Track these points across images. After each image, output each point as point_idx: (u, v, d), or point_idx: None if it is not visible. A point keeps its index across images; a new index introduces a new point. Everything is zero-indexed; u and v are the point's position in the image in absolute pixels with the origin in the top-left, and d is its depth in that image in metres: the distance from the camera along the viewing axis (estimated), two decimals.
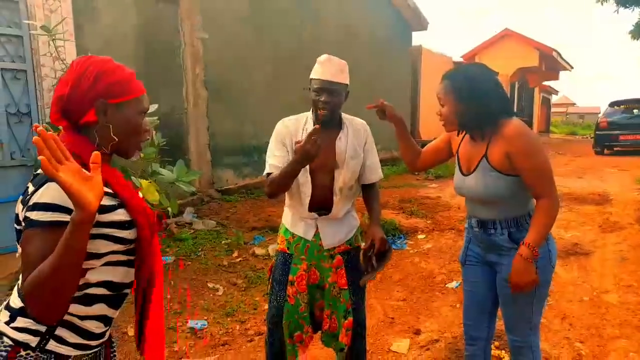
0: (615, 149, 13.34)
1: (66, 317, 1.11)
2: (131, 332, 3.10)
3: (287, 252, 2.14)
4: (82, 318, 1.14)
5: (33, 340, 1.09)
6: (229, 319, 3.35)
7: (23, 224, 1.04)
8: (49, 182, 1.02)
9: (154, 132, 4.29)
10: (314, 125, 2.00)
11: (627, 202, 6.43)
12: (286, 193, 2.14)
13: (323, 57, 2.06)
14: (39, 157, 0.90)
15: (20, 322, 1.10)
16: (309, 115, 2.15)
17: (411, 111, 11.87)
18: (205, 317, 3.34)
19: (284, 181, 1.94)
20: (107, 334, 1.25)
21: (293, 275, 2.11)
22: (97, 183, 0.96)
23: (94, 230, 1.06)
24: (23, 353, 1.08)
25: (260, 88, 7.01)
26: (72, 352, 1.13)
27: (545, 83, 23.31)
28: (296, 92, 7.76)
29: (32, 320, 1.09)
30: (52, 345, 1.10)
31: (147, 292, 1.24)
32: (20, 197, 1.11)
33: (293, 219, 2.17)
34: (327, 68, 2.02)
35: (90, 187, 0.95)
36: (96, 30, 4.80)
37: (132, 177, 3.51)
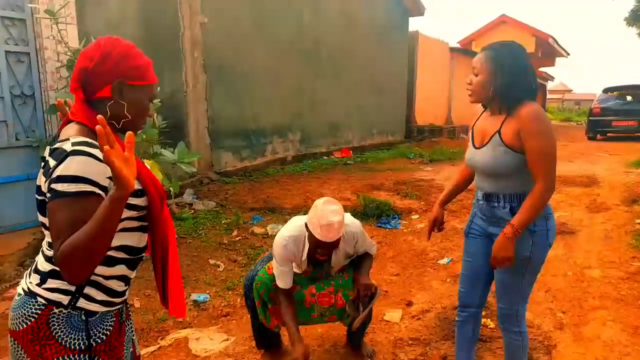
0: (607, 134, 13.49)
1: (93, 277, 1.24)
2: (137, 304, 3.26)
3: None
4: (106, 278, 1.26)
5: (64, 299, 1.20)
6: (230, 293, 3.50)
7: (48, 194, 1.13)
8: (72, 156, 1.12)
9: (155, 114, 4.41)
10: (308, 256, 2.31)
11: (614, 184, 6.61)
12: None
13: (324, 221, 2.13)
14: (103, 147, 1.03)
15: (51, 283, 1.21)
16: (305, 237, 2.30)
17: (407, 96, 11.97)
18: (208, 291, 3.50)
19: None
20: (127, 292, 1.38)
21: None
22: (133, 163, 1.10)
23: None
24: (56, 311, 1.20)
25: (260, 72, 7.10)
26: (100, 308, 1.26)
27: (542, 69, 23.38)
28: (297, 78, 7.87)
29: (62, 281, 1.21)
30: (82, 302, 1.22)
31: (165, 255, 1.36)
32: (41, 170, 1.21)
33: None
34: (327, 231, 2.12)
35: (129, 167, 1.08)
36: (98, 13, 4.87)
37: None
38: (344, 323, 2.54)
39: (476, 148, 2.01)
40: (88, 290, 1.23)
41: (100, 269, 1.24)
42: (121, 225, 1.24)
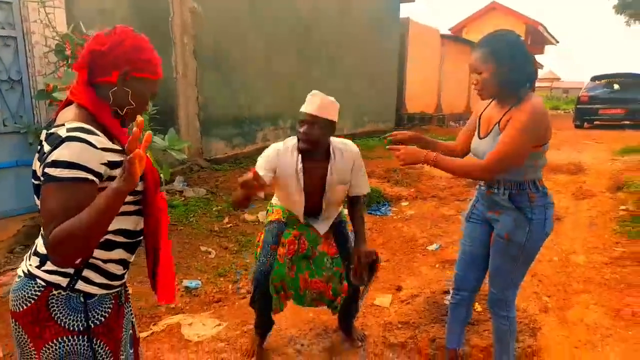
0: (595, 122, 13.63)
1: (91, 260, 1.26)
2: (130, 290, 3.27)
3: (283, 220, 2.39)
4: (104, 261, 1.29)
5: (63, 281, 1.23)
6: (221, 279, 3.53)
7: (42, 178, 1.15)
8: (67, 142, 1.13)
9: None
10: (299, 154, 2.26)
11: (600, 172, 6.73)
12: (278, 196, 2.47)
13: (312, 92, 2.21)
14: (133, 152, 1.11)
15: (50, 265, 1.23)
16: (294, 142, 2.32)
17: (398, 83, 11.98)
18: (199, 278, 3.52)
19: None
20: (126, 276, 1.41)
21: (285, 238, 2.34)
22: (144, 160, 1.15)
23: (106, 183, 1.19)
24: (55, 292, 1.22)
25: (251, 59, 7.05)
26: (98, 290, 1.28)
27: None
28: (288, 64, 7.83)
29: None
30: (80, 285, 1.25)
31: (156, 240, 1.39)
32: (36, 155, 1.22)
33: (286, 202, 2.43)
34: (310, 103, 2.19)
35: (142, 165, 1.13)
36: None
37: None
38: (333, 311, 2.54)
39: (480, 138, 2.03)
40: (87, 272, 1.25)
41: (99, 253, 1.26)
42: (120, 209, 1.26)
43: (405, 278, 3.55)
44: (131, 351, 1.46)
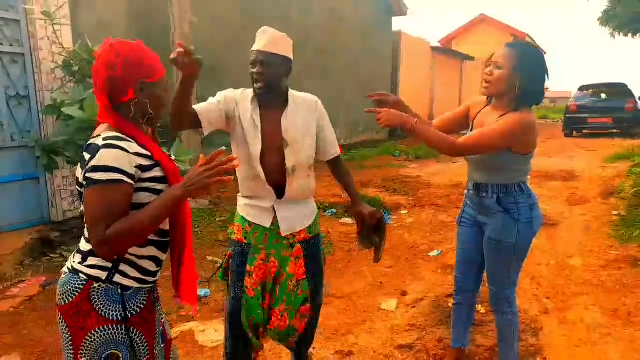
0: (583, 131, 13.92)
1: (127, 256, 1.38)
2: None
3: (245, 241, 2.01)
4: (138, 257, 1.41)
5: (103, 275, 1.35)
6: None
7: (84, 183, 1.29)
8: (104, 149, 1.28)
9: None
10: (253, 100, 1.99)
11: (592, 178, 6.92)
12: (239, 179, 2.06)
13: (263, 28, 1.99)
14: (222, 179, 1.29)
15: (91, 261, 1.36)
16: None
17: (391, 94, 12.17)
18: (208, 287, 3.59)
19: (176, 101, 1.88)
20: (159, 274, 1.50)
21: (251, 265, 1.98)
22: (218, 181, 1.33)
23: (138, 185, 1.33)
24: (96, 285, 1.34)
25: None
26: (134, 284, 1.39)
27: None
28: None
29: (100, 259, 1.35)
30: (117, 278, 1.36)
31: (183, 239, 1.48)
32: (79, 164, 1.35)
33: (249, 206, 2.04)
34: (260, 39, 1.96)
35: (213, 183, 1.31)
36: (90, 13, 4.90)
37: None
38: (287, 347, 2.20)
39: None
40: (123, 267, 1.37)
41: (134, 249, 1.38)
42: None
43: (409, 283, 3.65)
44: (162, 346, 1.54)
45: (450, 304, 3.16)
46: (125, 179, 1.28)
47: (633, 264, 3.81)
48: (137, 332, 1.39)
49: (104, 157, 1.26)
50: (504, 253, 2.11)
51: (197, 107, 1.97)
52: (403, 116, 2.03)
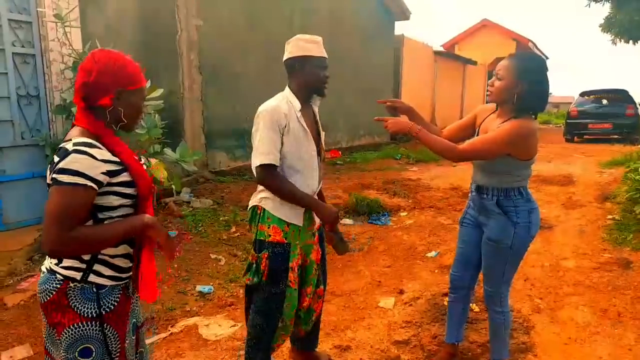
0: (584, 136, 14.01)
1: (101, 256, 1.46)
2: None
3: (285, 242, 2.15)
4: (112, 257, 1.49)
5: (78, 275, 1.43)
6: (232, 284, 3.72)
7: (50, 184, 1.36)
8: (72, 154, 1.34)
9: (156, 114, 4.59)
10: (297, 105, 2.15)
11: (589, 183, 7.02)
12: (290, 165, 2.16)
13: (317, 37, 2.21)
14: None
15: (66, 262, 1.44)
16: (287, 96, 2.21)
17: (393, 98, 12.27)
18: (211, 283, 3.71)
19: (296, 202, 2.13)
20: (132, 269, 1.57)
21: (292, 262, 2.17)
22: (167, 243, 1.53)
23: (107, 189, 1.41)
24: (72, 285, 1.43)
25: (253, 73, 7.29)
26: (108, 282, 1.47)
27: None
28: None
29: (75, 260, 1.43)
30: (92, 277, 1.44)
31: (139, 239, 1.54)
32: (49, 167, 1.41)
33: (285, 207, 2.15)
34: (319, 47, 2.21)
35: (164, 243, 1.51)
36: (99, 16, 5.02)
37: (142, 157, 3.83)
38: (304, 327, 2.45)
39: None
40: (97, 267, 1.45)
41: (108, 249, 1.47)
42: (119, 212, 1.47)
43: (407, 282, 3.76)
44: (133, 337, 1.61)
45: (446, 303, 3.27)
46: (89, 184, 1.34)
47: (625, 266, 3.91)
48: (110, 328, 1.46)
49: (71, 162, 1.33)
50: (500, 254, 2.21)
51: (274, 160, 2.08)
52: (408, 124, 2.16)
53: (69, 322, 1.41)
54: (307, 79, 2.18)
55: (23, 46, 4.31)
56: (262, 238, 2.18)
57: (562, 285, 3.64)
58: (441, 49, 17.13)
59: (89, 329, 1.43)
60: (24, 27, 4.30)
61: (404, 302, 3.38)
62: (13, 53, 4.22)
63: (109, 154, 1.42)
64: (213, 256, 4.23)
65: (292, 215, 2.17)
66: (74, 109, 4.08)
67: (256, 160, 2.07)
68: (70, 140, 1.38)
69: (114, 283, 1.48)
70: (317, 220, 2.28)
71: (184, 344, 2.87)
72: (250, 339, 2.28)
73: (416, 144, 11.51)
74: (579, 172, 7.88)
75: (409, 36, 13.02)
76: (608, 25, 11.53)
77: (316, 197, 2.26)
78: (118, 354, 1.49)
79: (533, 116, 2.12)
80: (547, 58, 21.69)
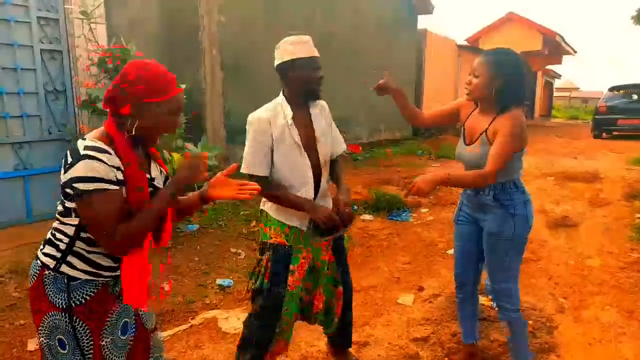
0: (613, 133, 13.61)
1: (75, 248, 1.45)
2: (166, 287, 3.51)
3: (287, 244, 2.13)
4: (87, 252, 1.47)
5: (51, 263, 1.45)
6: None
7: (67, 190, 1.37)
8: (83, 160, 1.33)
9: None
10: (286, 111, 2.11)
11: (616, 180, 6.82)
12: (274, 186, 2.13)
13: (304, 37, 2.12)
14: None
15: (47, 249, 1.47)
16: (280, 103, 2.17)
17: (415, 94, 12.16)
18: (231, 277, 3.74)
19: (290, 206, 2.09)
20: (119, 270, 1.52)
21: (294, 264, 2.13)
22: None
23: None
24: (46, 272, 1.45)
25: (272, 68, 7.31)
26: (82, 275, 1.46)
27: (549, 67, 23.43)
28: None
29: (53, 248, 1.45)
30: (64, 268, 1.45)
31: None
32: (63, 161, 1.43)
33: (285, 210, 2.14)
34: (308, 46, 2.11)
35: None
36: (123, 13, 5.11)
37: (164, 152, 3.89)
38: (327, 328, 2.47)
39: (466, 145, 2.25)
40: (70, 258, 1.45)
41: (81, 244, 1.46)
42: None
43: (426, 279, 3.72)
44: (123, 337, 1.57)
45: None
46: (109, 186, 1.36)
47: None
48: (80, 322, 1.45)
49: (84, 169, 1.34)
50: (502, 246, 2.21)
51: (260, 172, 2.10)
52: (436, 177, 2.00)
53: (46, 310, 1.45)
54: (298, 82, 2.12)
55: (50, 42, 4.42)
56: (264, 240, 2.19)
57: (586, 284, 3.56)
58: (465, 43, 16.86)
59: (60, 320, 1.44)
60: (52, 25, 4.42)
61: (424, 299, 3.35)
62: (41, 49, 4.34)
63: (118, 160, 1.42)
64: (233, 250, 4.27)
65: (293, 217, 2.14)
66: (99, 104, 4.17)
67: (242, 167, 2.10)
68: (85, 140, 1.41)
69: (88, 277, 1.47)
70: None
71: (204, 336, 2.91)
72: (241, 340, 2.25)
73: (439, 140, 11.39)
74: (606, 169, 7.66)
75: (432, 30, 12.86)
76: None
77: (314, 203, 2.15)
78: (91, 351, 1.48)
79: (520, 108, 2.15)
80: (575, 52, 21.09)
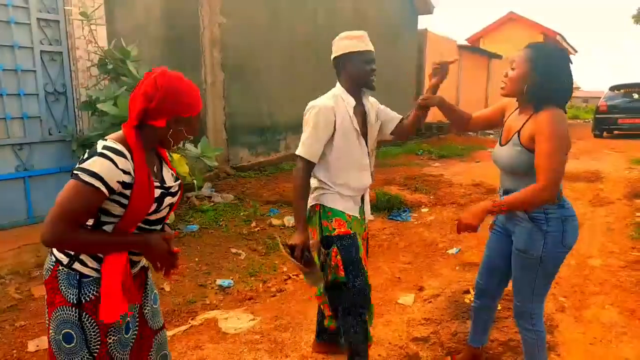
0: (614, 132, 13.59)
1: None
2: (167, 287, 3.51)
3: (351, 232, 2.20)
4: None
5: (65, 260, 1.47)
6: (252, 279, 3.75)
7: (71, 174, 1.39)
8: (98, 156, 1.38)
9: None
10: (348, 101, 2.20)
11: (617, 180, 6.81)
12: (334, 174, 2.21)
13: (358, 32, 2.22)
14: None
15: None
16: (339, 93, 2.23)
17: (416, 93, 12.16)
18: (231, 277, 3.74)
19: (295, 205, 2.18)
20: (133, 270, 1.57)
21: (361, 251, 2.23)
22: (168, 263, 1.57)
23: (115, 197, 1.43)
24: (60, 268, 1.47)
25: (275, 71, 7.32)
26: (93, 273, 1.48)
27: None
28: (308, 74, 8.10)
29: None
30: (76, 265, 1.47)
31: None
32: (79, 161, 1.45)
33: (344, 200, 2.23)
34: (364, 40, 2.20)
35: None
36: (124, 14, 5.11)
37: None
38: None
39: (501, 145, 2.07)
40: (83, 257, 1.48)
41: None
42: (117, 220, 1.48)
43: (427, 279, 3.72)
44: (127, 335, 1.59)
45: (466, 300, 3.23)
46: (103, 189, 1.38)
47: None
48: (89, 318, 1.48)
49: (94, 163, 1.38)
50: (528, 266, 2.00)
51: (312, 157, 2.18)
52: (484, 207, 1.92)
53: (59, 304, 1.47)
54: (351, 75, 2.21)
55: (51, 44, 4.42)
56: (327, 234, 2.20)
57: (587, 283, 3.55)
58: (466, 43, 16.86)
59: (71, 314, 1.47)
60: (52, 26, 4.42)
61: (424, 299, 3.35)
62: (41, 51, 4.34)
63: (131, 166, 1.44)
64: (233, 250, 4.27)
65: (349, 206, 2.25)
66: (99, 105, 4.17)
67: (298, 149, 2.19)
68: (105, 140, 1.44)
69: (100, 276, 1.48)
70: (367, 215, 2.42)
71: (204, 336, 2.90)
72: (353, 352, 2.25)
73: (440, 140, 11.39)
74: (607, 169, 7.66)
75: (432, 30, 12.86)
76: None
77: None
78: (98, 347, 1.51)
79: (560, 108, 1.93)
80: (576, 51, 21.10)
